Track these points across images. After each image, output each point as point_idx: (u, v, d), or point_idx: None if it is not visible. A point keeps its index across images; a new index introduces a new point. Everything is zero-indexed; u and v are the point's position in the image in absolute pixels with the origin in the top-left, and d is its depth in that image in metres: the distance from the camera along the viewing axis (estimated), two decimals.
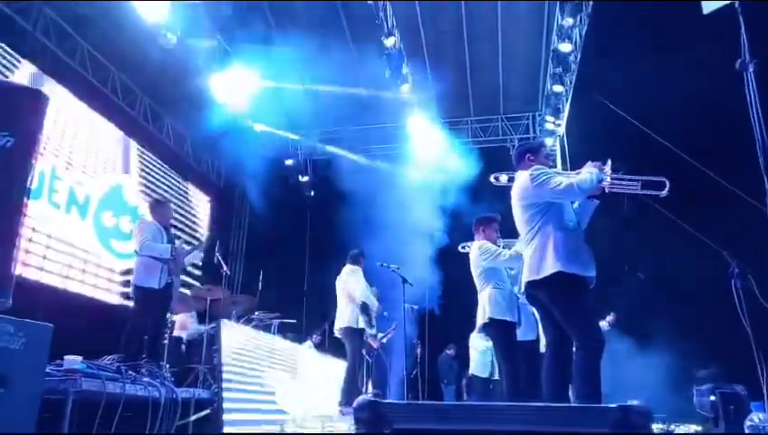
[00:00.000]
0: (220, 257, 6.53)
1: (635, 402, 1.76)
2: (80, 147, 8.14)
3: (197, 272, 10.49)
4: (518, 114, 11.74)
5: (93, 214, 8.29)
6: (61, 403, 3.06)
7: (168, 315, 5.68)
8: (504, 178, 4.16)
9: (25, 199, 2.78)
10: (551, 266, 3.19)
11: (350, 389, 6.01)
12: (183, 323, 6.70)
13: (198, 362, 5.37)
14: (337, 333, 6.36)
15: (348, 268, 6.42)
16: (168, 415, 3.92)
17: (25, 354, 2.48)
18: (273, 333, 7.06)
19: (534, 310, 3.88)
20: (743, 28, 2.83)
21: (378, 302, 6.63)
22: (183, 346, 6.24)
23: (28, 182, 2.79)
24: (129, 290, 5.35)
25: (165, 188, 10.27)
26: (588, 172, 3.26)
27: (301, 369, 6.84)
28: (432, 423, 1.84)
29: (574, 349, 3.20)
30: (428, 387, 9.58)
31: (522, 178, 3.48)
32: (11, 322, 2.45)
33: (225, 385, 4.95)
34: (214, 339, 5.31)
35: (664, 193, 3.24)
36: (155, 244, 5.12)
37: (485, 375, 7.14)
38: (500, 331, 4.42)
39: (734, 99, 2.95)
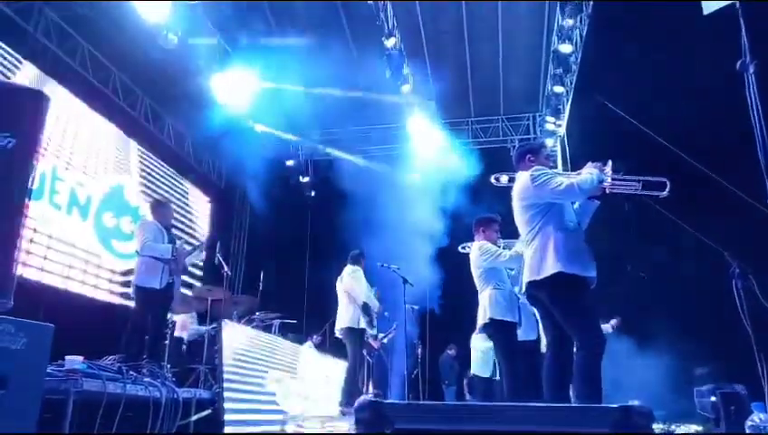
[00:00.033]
0: (221, 258, 6.54)
1: (636, 403, 1.76)
2: (81, 147, 8.15)
3: (198, 272, 10.50)
4: (518, 115, 11.75)
5: (94, 214, 8.30)
6: (62, 403, 3.06)
7: (169, 316, 5.69)
8: (504, 178, 4.16)
9: (27, 200, 2.78)
10: (551, 267, 3.19)
11: (351, 389, 6.01)
12: (183, 324, 6.71)
13: (199, 362, 5.38)
14: (337, 334, 6.36)
15: (349, 269, 6.42)
16: (169, 415, 3.92)
17: (26, 355, 2.48)
18: (274, 334, 7.06)
19: (535, 310, 3.88)
20: (743, 29, 2.83)
21: (378, 302, 6.64)
22: (184, 347, 6.25)
23: (29, 183, 2.79)
24: (130, 290, 5.35)
25: (166, 188, 10.28)
26: (588, 173, 3.26)
27: (301, 369, 6.84)
28: (433, 423, 1.84)
29: (575, 349, 3.20)
30: (429, 387, 9.58)
31: (522, 178, 3.48)
32: (12, 322, 2.45)
33: (226, 385, 4.96)
34: (215, 339, 5.32)
35: (664, 193, 3.25)
36: (156, 244, 5.13)
37: (487, 375, 7.13)
38: (500, 331, 4.43)
39: (734, 99, 2.95)
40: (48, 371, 2.93)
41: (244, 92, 9.22)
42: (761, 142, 2.64)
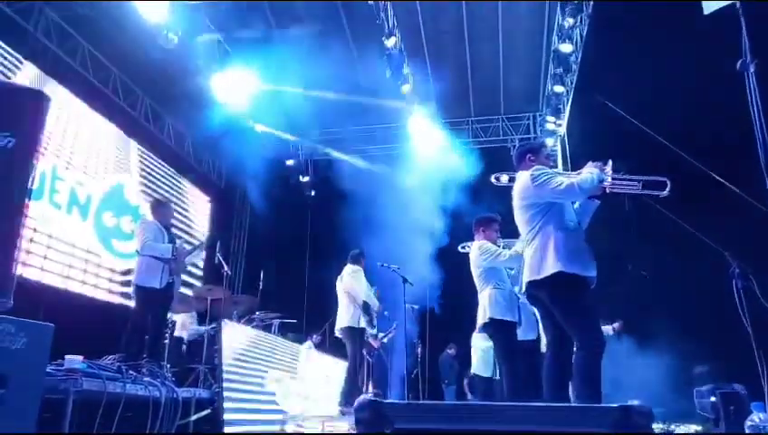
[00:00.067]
0: (221, 257, 6.54)
1: (635, 402, 1.76)
2: (81, 147, 8.15)
3: (198, 272, 10.50)
4: (519, 114, 11.74)
5: (94, 214, 8.30)
6: (61, 403, 3.07)
7: (169, 315, 5.69)
8: (504, 178, 4.16)
9: (27, 200, 2.78)
10: (551, 266, 3.19)
11: (351, 389, 6.01)
12: (183, 324, 6.72)
13: (199, 361, 5.38)
14: (337, 333, 6.36)
15: (349, 268, 6.42)
16: (169, 415, 3.92)
17: (26, 354, 2.48)
18: (274, 334, 7.07)
19: (535, 310, 3.88)
20: (743, 28, 2.83)
21: (378, 301, 6.63)
22: (184, 346, 6.26)
23: (29, 183, 2.79)
24: (130, 290, 5.35)
25: (166, 188, 10.28)
26: (589, 172, 3.26)
27: (301, 369, 6.85)
28: (433, 423, 1.84)
29: (575, 349, 3.20)
30: (429, 387, 9.57)
31: (522, 178, 3.48)
32: (12, 322, 2.45)
33: (225, 385, 4.96)
34: (214, 339, 5.32)
35: (665, 193, 3.24)
36: (156, 244, 5.13)
37: (488, 375, 7.12)
38: (500, 331, 4.43)
39: (734, 99, 2.95)
40: (48, 370, 2.94)
41: (244, 92, 9.23)
42: (761, 142, 2.64)
